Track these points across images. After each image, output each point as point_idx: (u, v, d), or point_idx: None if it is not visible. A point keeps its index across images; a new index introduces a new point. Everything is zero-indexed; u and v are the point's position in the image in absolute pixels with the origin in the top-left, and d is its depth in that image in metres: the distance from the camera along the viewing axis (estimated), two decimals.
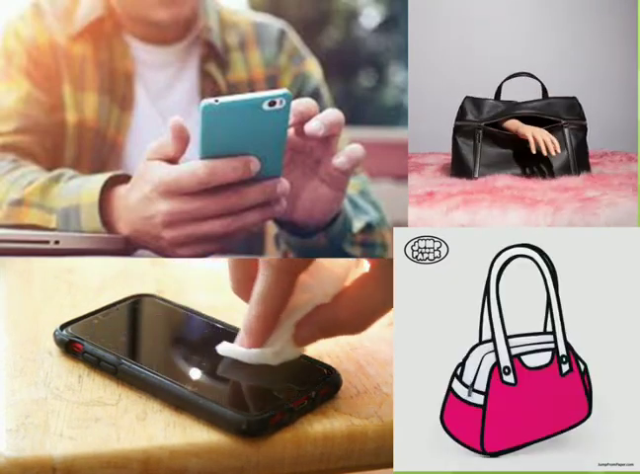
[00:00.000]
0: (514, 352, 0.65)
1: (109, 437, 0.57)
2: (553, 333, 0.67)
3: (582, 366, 0.68)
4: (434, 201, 1.04)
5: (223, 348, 0.63)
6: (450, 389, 0.66)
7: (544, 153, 1.16)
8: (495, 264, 0.65)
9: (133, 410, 0.60)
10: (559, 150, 1.16)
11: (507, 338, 0.64)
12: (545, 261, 0.65)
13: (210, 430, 0.58)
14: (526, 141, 1.18)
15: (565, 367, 0.67)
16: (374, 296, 0.62)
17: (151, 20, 0.96)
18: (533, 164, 1.20)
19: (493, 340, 0.64)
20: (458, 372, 0.65)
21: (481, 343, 0.66)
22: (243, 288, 0.64)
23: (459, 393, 0.65)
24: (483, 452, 0.64)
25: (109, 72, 0.99)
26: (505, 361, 0.64)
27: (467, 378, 0.65)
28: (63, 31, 0.99)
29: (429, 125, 1.62)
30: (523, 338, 0.66)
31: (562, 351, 0.66)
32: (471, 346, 0.66)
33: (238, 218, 0.65)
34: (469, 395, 0.64)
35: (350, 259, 0.64)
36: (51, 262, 0.84)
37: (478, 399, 0.64)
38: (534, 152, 1.17)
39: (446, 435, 0.66)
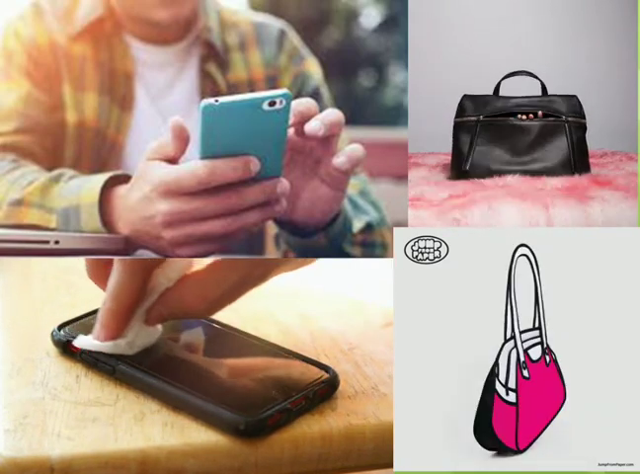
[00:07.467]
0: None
1: (106, 438, 0.57)
2: (539, 328, 0.67)
3: (554, 355, 0.69)
4: (432, 201, 1.04)
5: (80, 341, 0.66)
6: (494, 391, 0.64)
7: None
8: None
9: (131, 410, 0.60)
10: None
11: (521, 333, 0.65)
12: (536, 258, 0.66)
13: (208, 430, 0.58)
14: (526, 138, 1.17)
15: (548, 358, 0.68)
16: (222, 282, 0.63)
17: (151, 20, 0.96)
18: (533, 161, 1.20)
19: (513, 337, 0.65)
20: (496, 372, 0.65)
21: (506, 340, 0.66)
22: (96, 274, 0.66)
23: (502, 394, 0.64)
24: (517, 451, 0.64)
25: (109, 72, 0.99)
26: (522, 357, 0.64)
27: (502, 377, 0.65)
28: (63, 31, 0.98)
29: (429, 125, 1.62)
30: (524, 334, 0.67)
31: (545, 343, 0.68)
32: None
33: (238, 218, 0.65)
34: (507, 394, 0.64)
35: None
36: (51, 262, 0.83)
37: (512, 397, 0.64)
38: None
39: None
